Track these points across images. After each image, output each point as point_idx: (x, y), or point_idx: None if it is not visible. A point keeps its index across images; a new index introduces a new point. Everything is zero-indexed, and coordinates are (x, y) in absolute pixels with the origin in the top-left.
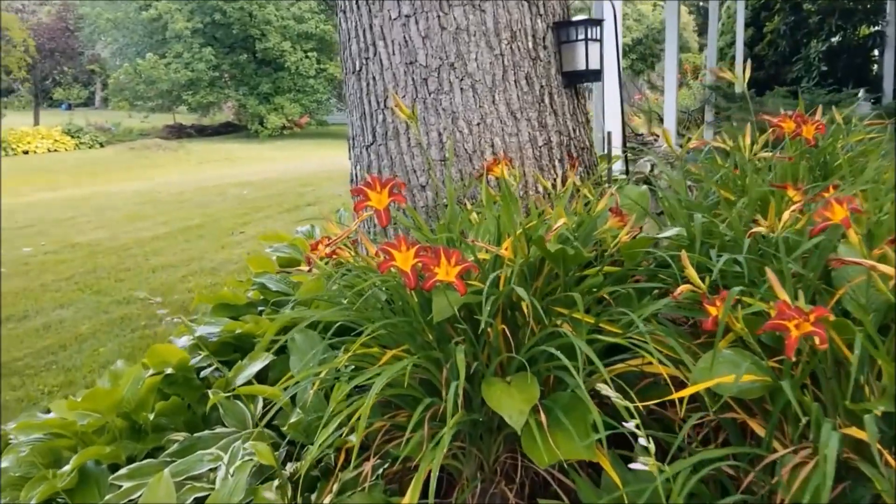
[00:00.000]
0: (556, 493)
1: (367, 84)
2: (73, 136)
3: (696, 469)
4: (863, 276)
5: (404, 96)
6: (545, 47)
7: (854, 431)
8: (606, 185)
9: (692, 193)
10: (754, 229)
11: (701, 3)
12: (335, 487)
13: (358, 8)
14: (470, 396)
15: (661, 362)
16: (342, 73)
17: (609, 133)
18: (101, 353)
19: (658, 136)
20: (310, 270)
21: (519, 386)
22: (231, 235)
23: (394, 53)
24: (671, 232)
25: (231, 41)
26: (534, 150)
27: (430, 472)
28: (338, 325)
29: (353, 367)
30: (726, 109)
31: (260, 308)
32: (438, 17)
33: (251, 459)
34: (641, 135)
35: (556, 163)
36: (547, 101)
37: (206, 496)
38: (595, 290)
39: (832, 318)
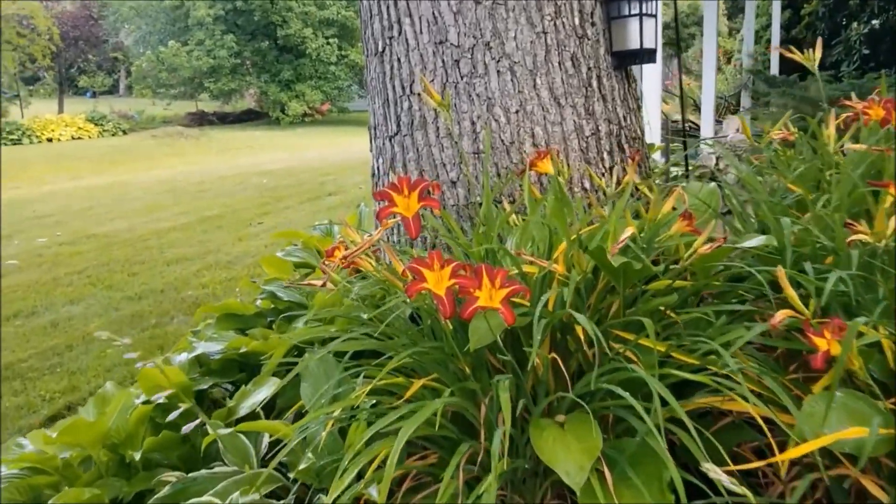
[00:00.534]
0: None
1: (391, 67)
2: (96, 124)
3: None
4: None
5: (433, 80)
6: (593, 24)
7: None
8: (658, 181)
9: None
10: (852, 237)
11: None
12: None
13: None
14: (513, 437)
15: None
16: (363, 54)
17: (670, 120)
18: (107, 356)
19: (697, 123)
20: (324, 285)
21: (575, 432)
22: (250, 226)
23: (421, 32)
24: (756, 241)
25: (252, 28)
26: (580, 141)
27: None
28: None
29: (373, 401)
30: (765, 95)
31: (270, 318)
32: None
33: None
34: (691, 123)
35: (605, 155)
36: (595, 85)
37: None
38: (663, 309)
39: None
